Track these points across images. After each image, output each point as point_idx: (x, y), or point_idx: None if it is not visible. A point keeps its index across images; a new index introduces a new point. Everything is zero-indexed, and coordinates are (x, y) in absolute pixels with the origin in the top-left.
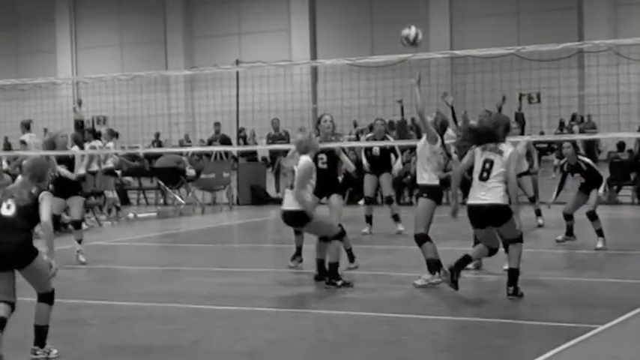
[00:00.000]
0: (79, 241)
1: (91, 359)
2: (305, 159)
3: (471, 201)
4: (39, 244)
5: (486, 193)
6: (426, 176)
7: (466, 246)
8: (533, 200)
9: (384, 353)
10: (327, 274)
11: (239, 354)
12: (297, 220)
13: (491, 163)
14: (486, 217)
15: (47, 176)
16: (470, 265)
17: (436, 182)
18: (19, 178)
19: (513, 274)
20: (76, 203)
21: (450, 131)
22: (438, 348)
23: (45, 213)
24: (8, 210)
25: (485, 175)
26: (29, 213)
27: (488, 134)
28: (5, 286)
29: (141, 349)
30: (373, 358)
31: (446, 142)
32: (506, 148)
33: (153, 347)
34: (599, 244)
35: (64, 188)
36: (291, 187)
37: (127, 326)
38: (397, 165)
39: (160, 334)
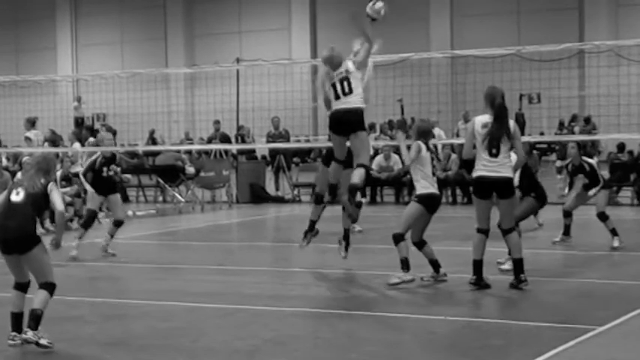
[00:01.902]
0: (112, 236)
1: (89, 357)
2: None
3: (483, 173)
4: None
5: (500, 167)
6: (419, 185)
7: (463, 246)
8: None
9: (381, 352)
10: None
11: (237, 352)
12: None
13: (499, 139)
14: (497, 189)
15: (53, 170)
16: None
17: (429, 190)
18: (19, 175)
19: (520, 264)
20: (117, 202)
21: (437, 130)
22: (435, 348)
23: (58, 202)
24: (17, 196)
25: (494, 151)
26: (37, 200)
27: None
28: (16, 267)
29: (139, 346)
30: (370, 357)
31: (437, 142)
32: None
33: (151, 345)
34: (615, 243)
35: (103, 186)
36: (344, 94)
37: (126, 324)
38: None
39: (158, 332)
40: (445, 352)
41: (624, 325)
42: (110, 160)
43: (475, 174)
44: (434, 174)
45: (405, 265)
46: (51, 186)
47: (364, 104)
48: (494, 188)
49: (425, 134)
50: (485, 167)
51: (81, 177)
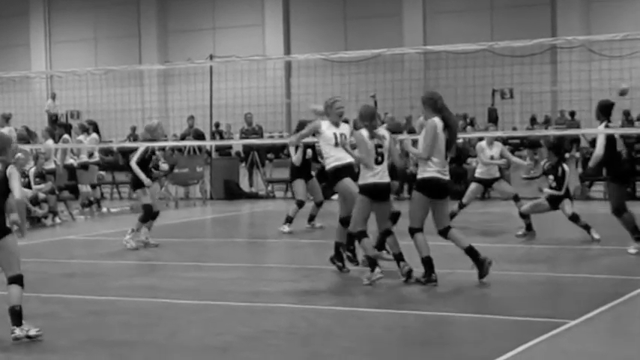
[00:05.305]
0: (149, 228)
1: (63, 353)
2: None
3: (438, 175)
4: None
5: (447, 171)
6: (360, 175)
7: (433, 241)
8: (517, 199)
9: (356, 347)
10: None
11: (212, 348)
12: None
13: (449, 142)
14: (443, 191)
15: (8, 149)
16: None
17: (367, 181)
18: None
19: (429, 262)
20: (154, 193)
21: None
22: (409, 342)
23: (17, 190)
24: None
25: (447, 153)
26: None
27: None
28: None
29: (114, 343)
30: (345, 352)
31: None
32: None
33: (126, 341)
34: (596, 236)
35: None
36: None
37: (100, 320)
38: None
39: (133, 328)
40: (419, 347)
41: (596, 319)
42: (152, 151)
43: (428, 174)
44: (379, 162)
45: (371, 263)
46: (10, 169)
47: (332, 163)
48: (442, 190)
49: (368, 117)
50: (439, 170)
51: (133, 166)
